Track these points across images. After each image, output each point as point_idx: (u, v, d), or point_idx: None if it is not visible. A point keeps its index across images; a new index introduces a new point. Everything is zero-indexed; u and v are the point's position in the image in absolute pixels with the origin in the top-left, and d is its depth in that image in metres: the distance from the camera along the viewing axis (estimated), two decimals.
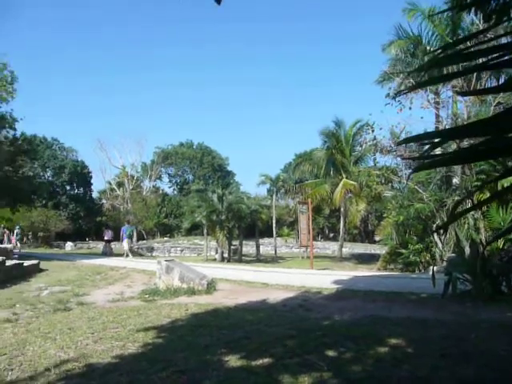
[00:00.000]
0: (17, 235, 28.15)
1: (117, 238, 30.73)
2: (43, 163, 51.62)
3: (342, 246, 28.69)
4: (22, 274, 13.76)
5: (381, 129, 14.68)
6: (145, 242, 45.20)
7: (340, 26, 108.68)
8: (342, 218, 28.26)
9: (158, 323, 6.54)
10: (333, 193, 26.11)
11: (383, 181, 16.41)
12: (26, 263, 15.10)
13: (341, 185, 25.07)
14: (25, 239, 40.68)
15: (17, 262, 14.81)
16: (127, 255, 24.58)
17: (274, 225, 34.49)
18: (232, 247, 28.01)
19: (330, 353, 4.78)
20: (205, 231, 29.61)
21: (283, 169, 57.46)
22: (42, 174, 51.77)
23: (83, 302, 8.75)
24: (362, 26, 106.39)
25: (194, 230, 39.72)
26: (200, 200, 28.31)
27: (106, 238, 30.38)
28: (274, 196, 36.50)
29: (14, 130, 27.74)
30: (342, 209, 27.50)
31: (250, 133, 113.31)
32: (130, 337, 5.63)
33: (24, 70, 72.15)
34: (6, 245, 20.43)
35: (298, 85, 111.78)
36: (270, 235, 38.41)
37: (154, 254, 33.21)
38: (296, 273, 15.60)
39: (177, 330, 6.09)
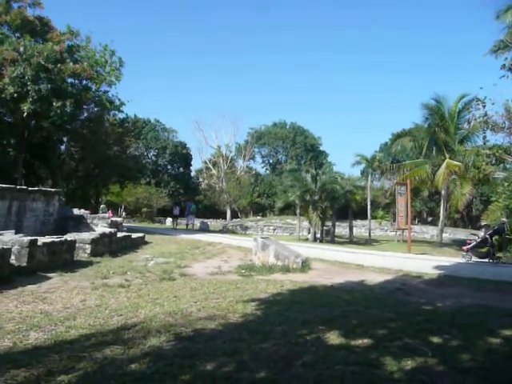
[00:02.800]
0: (102, 210, 31.40)
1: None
2: (147, 144, 55.28)
3: (442, 231, 26.95)
4: (130, 245, 14.99)
5: (493, 104, 13.20)
6: (238, 220, 46.61)
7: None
8: (442, 201, 26.46)
9: (255, 297, 6.73)
10: (434, 174, 24.49)
11: (494, 161, 14.86)
12: (134, 236, 16.41)
13: (444, 165, 23.38)
14: (124, 214, 44.21)
15: (126, 234, 16.13)
16: (191, 228, 30.14)
17: (368, 206, 33.39)
18: (324, 228, 27.76)
19: (435, 339, 4.55)
20: (297, 211, 29.65)
21: (379, 149, 55.31)
22: (145, 153, 55.55)
23: (185, 274, 9.30)
24: None
25: (286, 209, 40.00)
26: (293, 180, 28.32)
27: (174, 214, 34.14)
28: (370, 177, 35.31)
29: (122, 112, 29.97)
30: (443, 191, 25.71)
31: (344, 114, 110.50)
32: (230, 308, 5.88)
33: (124, 50, 76.22)
34: (116, 218, 22.36)
35: (399, 67, 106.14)
36: (364, 217, 37.34)
37: (247, 232, 34.15)
38: (392, 256, 15.04)
39: (274, 305, 6.22)
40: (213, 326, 4.94)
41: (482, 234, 14.40)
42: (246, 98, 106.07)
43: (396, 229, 25.67)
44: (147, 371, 3.47)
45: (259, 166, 66.65)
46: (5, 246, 7.74)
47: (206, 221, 39.21)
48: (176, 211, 33.78)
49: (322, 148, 65.23)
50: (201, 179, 61.62)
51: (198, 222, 36.97)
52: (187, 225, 31.84)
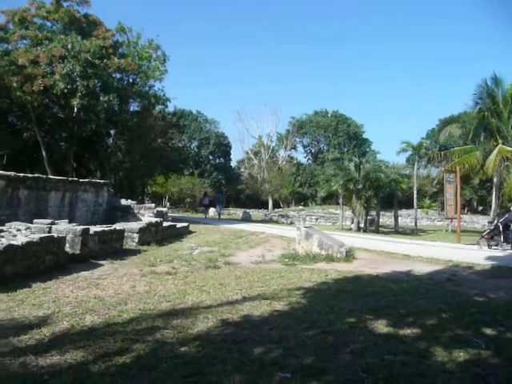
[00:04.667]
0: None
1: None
2: (190, 135, 56.14)
3: (493, 221, 25.81)
4: (175, 235, 15.34)
5: None
6: (280, 209, 46.57)
7: None
8: (494, 190, 25.24)
9: (299, 285, 6.73)
10: (484, 161, 23.40)
11: None
12: (179, 225, 16.78)
13: (495, 152, 22.22)
14: (168, 204, 45.26)
15: (171, 223, 16.52)
16: (219, 218, 32.35)
17: (414, 195, 32.45)
18: (368, 217, 27.28)
19: (488, 331, 4.39)
20: (340, 200, 29.31)
21: (425, 136, 53.56)
22: (188, 145, 56.45)
23: (229, 262, 9.41)
24: None
25: (329, 199, 39.66)
26: (336, 168, 27.95)
27: (204, 203, 35.75)
28: (416, 164, 34.23)
29: (166, 105, 30.52)
30: (495, 179, 24.52)
31: (389, 101, 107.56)
32: (275, 296, 5.90)
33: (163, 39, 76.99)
34: (161, 208, 22.88)
35: (446, 55, 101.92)
36: (409, 206, 36.36)
37: (289, 222, 34.12)
38: (440, 246, 14.57)
39: (319, 294, 6.19)
40: (258, 313, 4.99)
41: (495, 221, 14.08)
42: (287, 87, 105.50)
43: (444, 218, 24.82)
44: (197, 355, 3.56)
45: (301, 156, 66.27)
46: (60, 235, 8.13)
47: (248, 211, 39.47)
48: (206, 201, 35.28)
49: (365, 136, 63.85)
50: (242, 169, 62.02)
51: (239, 212, 37.54)
52: (219, 214, 33.59)
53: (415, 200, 32.64)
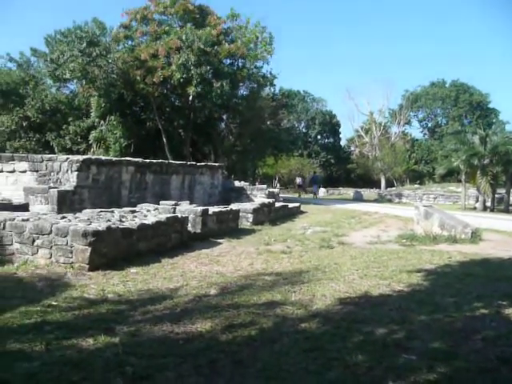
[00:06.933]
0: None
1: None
2: (298, 116, 56.10)
3: None
4: (287, 215, 15.60)
5: None
6: (394, 188, 44.50)
7: None
8: None
9: (419, 267, 6.42)
10: None
11: None
12: (290, 205, 17.01)
13: None
14: (278, 185, 46.09)
15: (283, 204, 16.81)
16: (315, 197, 33.18)
17: None
18: (496, 195, 24.75)
19: None
20: (462, 177, 27.02)
21: None
22: (296, 125, 56.47)
23: (343, 242, 9.31)
24: None
25: (448, 176, 36.89)
26: (457, 143, 25.67)
27: (297, 184, 37.73)
28: None
29: (274, 86, 30.79)
30: None
31: None
32: (394, 277, 5.71)
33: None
34: (273, 189, 23.37)
35: None
36: None
37: (403, 201, 32.52)
38: None
39: (442, 277, 5.85)
40: (377, 293, 4.88)
41: None
42: (399, 58, 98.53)
43: None
44: (316, 331, 3.61)
45: (416, 131, 62.51)
46: (183, 215, 8.79)
47: (359, 190, 38.54)
48: (300, 181, 37.13)
49: (491, 105, 57.59)
50: (352, 148, 60.43)
51: (350, 192, 36.67)
52: (314, 193, 34.42)
53: None
